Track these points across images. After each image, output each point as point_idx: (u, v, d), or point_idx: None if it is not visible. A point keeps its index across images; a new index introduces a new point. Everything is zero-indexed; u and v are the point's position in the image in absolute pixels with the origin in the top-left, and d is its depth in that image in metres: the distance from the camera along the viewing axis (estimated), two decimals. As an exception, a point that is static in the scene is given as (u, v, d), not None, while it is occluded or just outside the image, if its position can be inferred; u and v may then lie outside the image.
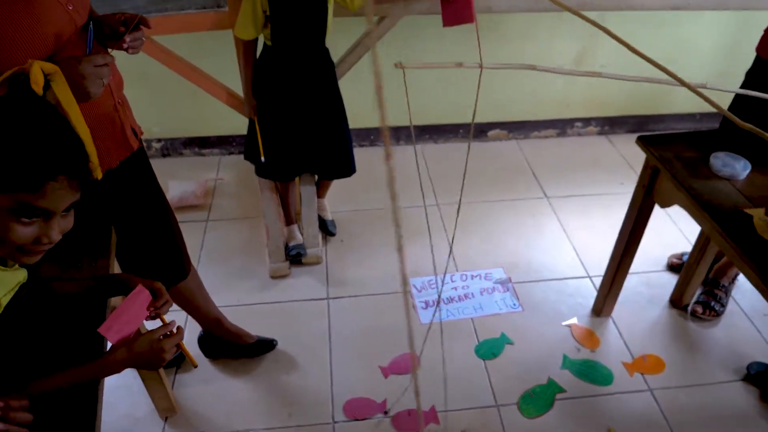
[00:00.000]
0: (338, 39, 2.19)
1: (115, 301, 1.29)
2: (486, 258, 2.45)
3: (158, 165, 1.75)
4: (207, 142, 3.10)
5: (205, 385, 1.93)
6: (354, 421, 1.82)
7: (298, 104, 2.12)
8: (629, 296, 2.23)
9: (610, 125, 3.33)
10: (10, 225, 0.84)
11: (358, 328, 2.13)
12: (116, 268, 1.54)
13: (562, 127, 3.29)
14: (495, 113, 3.17)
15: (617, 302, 2.14)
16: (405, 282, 0.50)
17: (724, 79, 3.08)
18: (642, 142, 1.74)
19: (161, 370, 1.73)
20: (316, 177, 2.48)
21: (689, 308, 2.18)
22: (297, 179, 2.44)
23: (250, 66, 2.07)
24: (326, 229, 2.55)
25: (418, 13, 2.22)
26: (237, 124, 2.74)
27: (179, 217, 1.72)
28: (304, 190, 2.43)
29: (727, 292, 2.19)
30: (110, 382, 1.34)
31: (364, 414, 1.84)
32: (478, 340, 2.09)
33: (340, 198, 2.73)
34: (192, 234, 2.52)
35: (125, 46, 1.27)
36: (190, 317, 1.93)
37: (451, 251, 1.73)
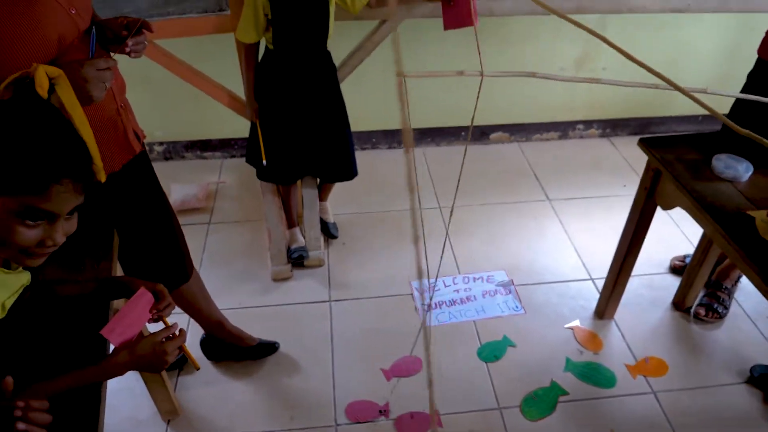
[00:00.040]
0: (340, 42, 2.20)
1: (117, 303, 1.29)
2: (488, 260, 2.45)
3: (160, 168, 1.75)
4: (209, 146, 3.11)
5: (208, 388, 1.93)
6: (356, 423, 1.82)
7: (300, 107, 2.12)
8: (632, 299, 2.23)
9: (612, 127, 3.33)
10: (15, 228, 0.84)
11: (360, 331, 2.13)
12: (119, 271, 1.55)
13: (563, 129, 3.29)
14: (496, 116, 3.17)
15: (620, 305, 2.14)
16: (419, 276, 0.49)
17: (725, 81, 3.08)
18: (644, 144, 1.74)
19: (164, 373, 1.73)
20: (318, 180, 2.48)
21: (692, 310, 2.18)
22: (299, 182, 2.44)
23: (251, 69, 2.07)
24: (328, 231, 2.55)
25: (419, 16, 2.22)
26: (239, 127, 2.74)
27: (181, 220, 1.72)
28: (305, 193, 2.43)
29: (730, 294, 2.19)
30: (113, 385, 1.34)
31: (366, 416, 1.84)
32: (480, 343, 2.08)
33: (341, 201, 2.74)
34: (194, 237, 2.53)
35: (128, 49, 1.28)
36: (192, 320, 1.94)
37: (443, 254, 1.73)
